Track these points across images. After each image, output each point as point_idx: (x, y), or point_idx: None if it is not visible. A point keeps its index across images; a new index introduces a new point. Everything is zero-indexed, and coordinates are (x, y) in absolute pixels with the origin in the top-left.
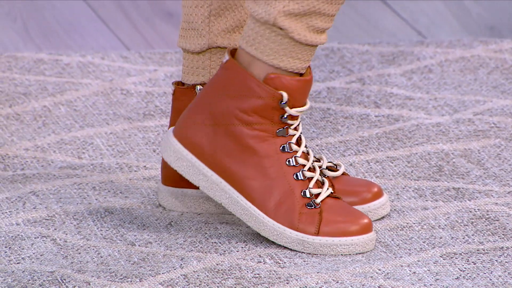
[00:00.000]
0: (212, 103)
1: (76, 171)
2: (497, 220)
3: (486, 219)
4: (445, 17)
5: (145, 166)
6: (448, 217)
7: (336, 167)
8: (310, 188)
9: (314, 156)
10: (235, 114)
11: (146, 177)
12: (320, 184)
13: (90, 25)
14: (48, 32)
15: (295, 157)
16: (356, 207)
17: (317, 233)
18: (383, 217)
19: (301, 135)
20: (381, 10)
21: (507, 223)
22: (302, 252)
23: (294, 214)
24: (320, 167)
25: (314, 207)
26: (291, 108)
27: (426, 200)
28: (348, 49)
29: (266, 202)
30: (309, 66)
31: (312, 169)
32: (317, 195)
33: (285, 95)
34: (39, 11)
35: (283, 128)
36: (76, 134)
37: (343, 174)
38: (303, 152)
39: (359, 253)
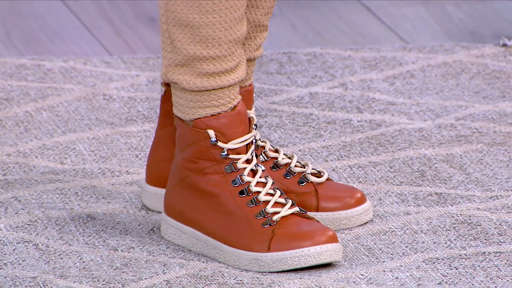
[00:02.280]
0: (173, 165)
1: (58, 176)
2: (479, 225)
3: (468, 224)
4: (427, 22)
5: (127, 171)
6: (431, 222)
7: (320, 174)
8: (265, 209)
9: (299, 162)
10: (185, 166)
11: (129, 182)
12: (282, 205)
13: (72, 31)
14: (30, 37)
15: (247, 187)
16: (339, 212)
17: (268, 249)
18: (366, 223)
19: (259, 165)
20: (364, 15)
21: (489, 228)
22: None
23: (249, 236)
24: (303, 172)
25: (270, 224)
26: (226, 143)
27: (409, 205)
28: (330, 54)
29: (227, 235)
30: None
31: (270, 193)
32: (274, 213)
33: (211, 133)
34: (22, 16)
35: (230, 164)
36: (58, 139)
37: (327, 179)
38: (261, 178)
39: (313, 265)
